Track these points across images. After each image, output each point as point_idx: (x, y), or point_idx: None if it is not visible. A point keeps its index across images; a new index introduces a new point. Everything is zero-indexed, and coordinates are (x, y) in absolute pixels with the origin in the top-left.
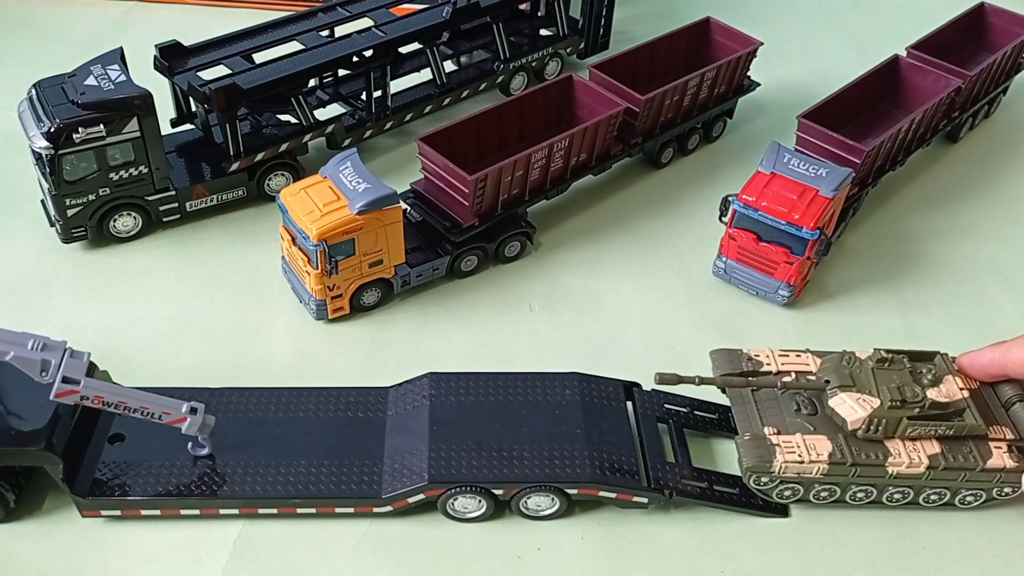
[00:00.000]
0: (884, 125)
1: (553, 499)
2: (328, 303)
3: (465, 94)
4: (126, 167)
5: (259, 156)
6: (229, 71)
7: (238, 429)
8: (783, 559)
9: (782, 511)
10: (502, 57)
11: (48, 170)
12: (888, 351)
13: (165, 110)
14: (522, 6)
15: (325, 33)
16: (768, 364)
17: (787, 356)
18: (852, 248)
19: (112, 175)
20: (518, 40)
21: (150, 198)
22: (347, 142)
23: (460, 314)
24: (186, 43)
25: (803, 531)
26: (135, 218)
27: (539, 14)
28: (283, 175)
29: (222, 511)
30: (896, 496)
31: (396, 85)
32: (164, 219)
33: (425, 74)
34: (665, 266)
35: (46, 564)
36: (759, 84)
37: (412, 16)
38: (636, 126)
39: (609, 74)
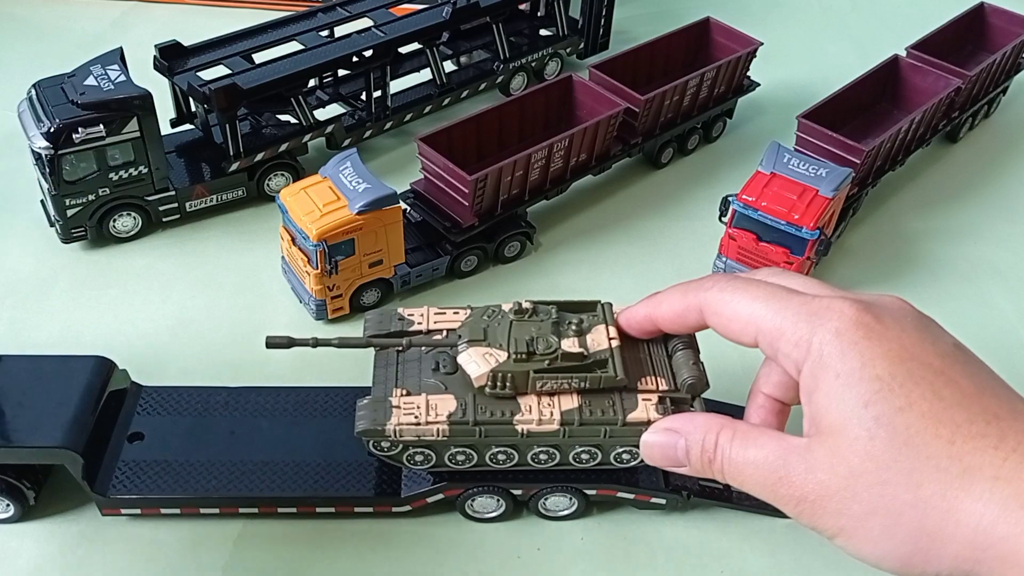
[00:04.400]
0: (884, 125)
1: (571, 499)
2: (328, 303)
3: (465, 94)
4: (126, 167)
5: (259, 156)
6: (229, 71)
7: (258, 428)
8: (783, 559)
9: None
10: (502, 57)
11: (48, 170)
12: (536, 301)
13: (165, 110)
14: (522, 6)
15: (325, 33)
16: (420, 323)
17: (444, 313)
18: (852, 248)
19: (112, 175)
20: (518, 40)
21: (150, 198)
22: (347, 142)
23: None
24: (186, 43)
25: (803, 531)
26: (135, 218)
27: (539, 14)
28: (283, 175)
29: (241, 510)
30: (542, 457)
31: (396, 85)
32: (164, 219)
33: (425, 74)
34: (665, 266)
35: (47, 561)
36: (759, 84)
37: (412, 16)
38: (636, 126)
39: (609, 74)
